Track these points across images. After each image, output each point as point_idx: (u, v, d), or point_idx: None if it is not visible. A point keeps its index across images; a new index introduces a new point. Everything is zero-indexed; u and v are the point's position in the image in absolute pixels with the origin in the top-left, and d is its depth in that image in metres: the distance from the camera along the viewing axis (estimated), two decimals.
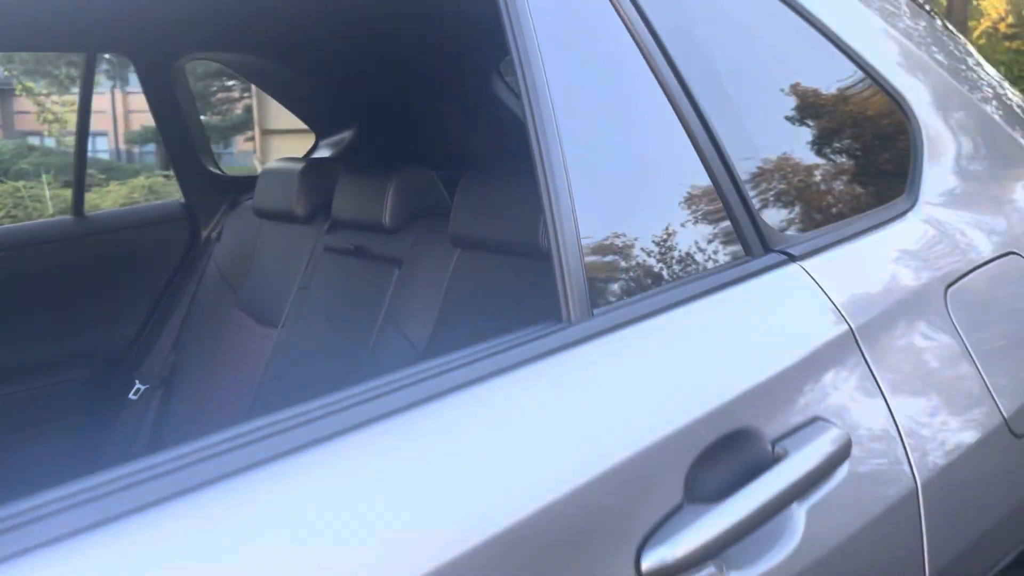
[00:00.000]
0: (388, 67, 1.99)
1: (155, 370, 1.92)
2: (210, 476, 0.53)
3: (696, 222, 0.86)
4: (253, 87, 14.72)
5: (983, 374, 0.94)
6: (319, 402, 0.59)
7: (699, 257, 0.84)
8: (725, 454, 0.72)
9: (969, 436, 0.90)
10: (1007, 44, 24.92)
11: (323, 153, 2.26)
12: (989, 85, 1.27)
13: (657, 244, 0.81)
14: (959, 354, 0.93)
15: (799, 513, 0.74)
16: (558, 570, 0.62)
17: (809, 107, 1.04)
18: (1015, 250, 1.08)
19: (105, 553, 0.49)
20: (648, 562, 0.64)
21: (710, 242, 0.85)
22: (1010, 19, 32.03)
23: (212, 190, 2.10)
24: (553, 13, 0.80)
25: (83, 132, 1.91)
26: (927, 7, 1.32)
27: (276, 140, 14.08)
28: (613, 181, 0.81)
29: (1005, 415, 0.94)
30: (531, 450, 0.64)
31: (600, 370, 0.71)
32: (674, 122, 0.85)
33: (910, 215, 1.03)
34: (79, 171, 1.98)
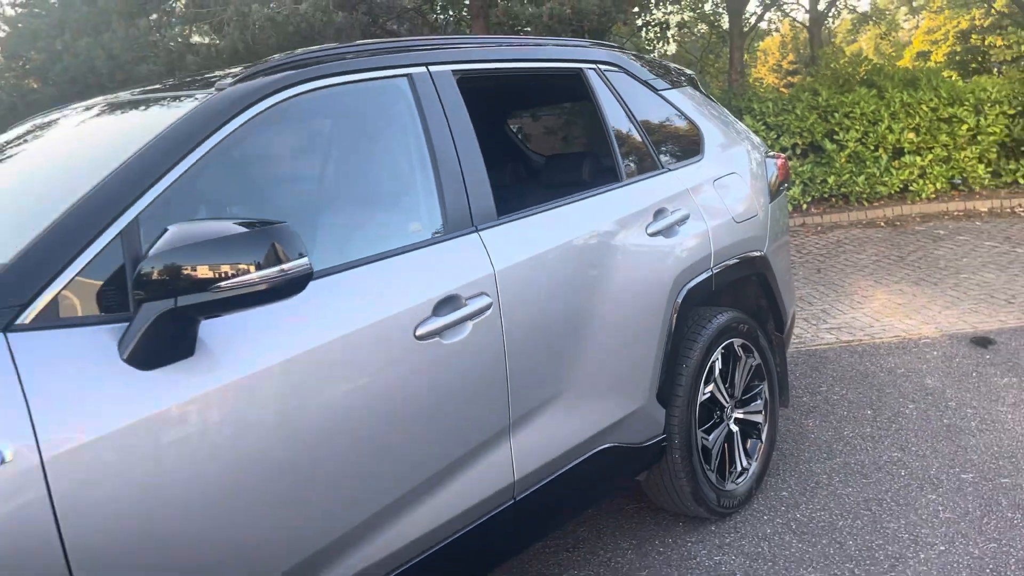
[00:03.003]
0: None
1: None
2: None
3: (648, 166, 3.01)
4: None
5: (725, 202, 3.15)
6: None
7: (643, 168, 3.00)
8: None
9: (737, 214, 3.10)
10: (790, 78, 29.21)
11: None
12: (723, 115, 3.53)
13: (645, 163, 2.97)
14: (719, 194, 3.13)
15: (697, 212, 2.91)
16: None
17: (669, 131, 3.24)
18: (735, 171, 3.31)
19: None
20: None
21: (646, 167, 3.01)
22: (791, 56, 36.72)
23: None
24: (611, 102, 2.94)
25: None
26: (707, 93, 3.59)
27: None
28: (632, 151, 2.96)
29: (733, 215, 3.15)
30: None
31: (643, 188, 2.85)
32: (639, 131, 3.01)
33: (703, 159, 3.23)
34: None
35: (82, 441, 1.46)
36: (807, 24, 20.74)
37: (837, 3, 20.18)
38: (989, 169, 9.89)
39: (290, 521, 1.75)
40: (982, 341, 4.94)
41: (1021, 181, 9.89)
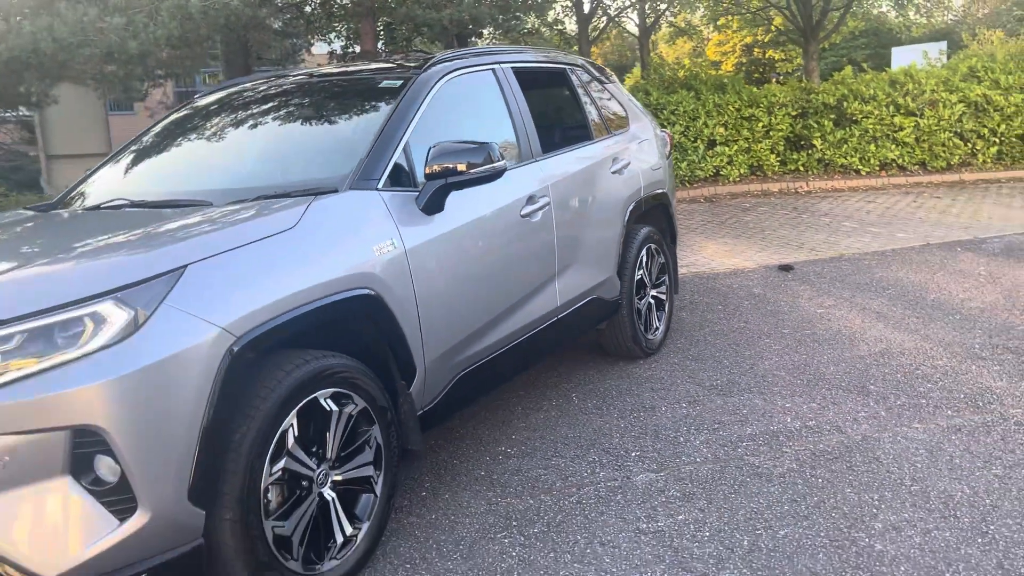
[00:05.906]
0: None
1: None
2: None
3: (604, 131, 4.76)
4: (36, 115, 16.76)
5: (644, 157, 4.96)
6: None
7: (602, 132, 4.75)
8: None
9: (651, 165, 4.92)
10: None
11: None
12: (634, 100, 5.36)
13: (602, 126, 4.72)
14: (641, 152, 4.93)
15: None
16: None
17: (611, 109, 5.01)
18: (647, 138, 5.13)
19: None
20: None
21: (603, 132, 4.76)
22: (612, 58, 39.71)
23: None
24: (588, 94, 4.67)
25: None
26: (619, 82, 5.40)
27: (61, 163, 16.16)
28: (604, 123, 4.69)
29: (649, 165, 4.97)
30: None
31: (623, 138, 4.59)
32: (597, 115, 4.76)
33: (630, 129, 5.03)
34: None
35: (415, 244, 2.99)
36: (638, 35, 23.77)
37: (660, 20, 23.40)
38: (779, 158, 12.53)
39: (480, 300, 3.34)
40: (786, 268, 7.13)
41: (802, 168, 12.59)
